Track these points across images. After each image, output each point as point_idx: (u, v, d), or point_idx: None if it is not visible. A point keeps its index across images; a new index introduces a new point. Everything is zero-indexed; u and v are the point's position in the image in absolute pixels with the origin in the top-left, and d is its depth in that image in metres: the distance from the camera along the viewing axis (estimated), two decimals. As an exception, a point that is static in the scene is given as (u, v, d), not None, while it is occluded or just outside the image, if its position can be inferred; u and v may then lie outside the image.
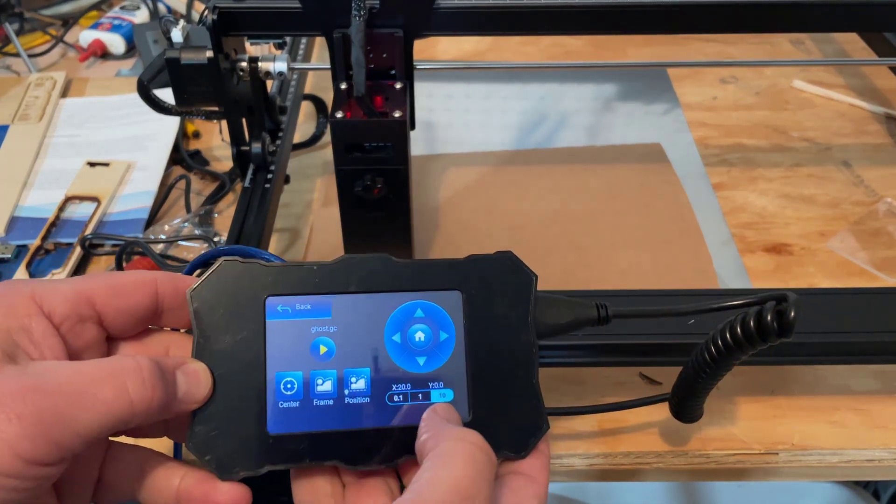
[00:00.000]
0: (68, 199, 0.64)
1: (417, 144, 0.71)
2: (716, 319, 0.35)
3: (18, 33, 0.88)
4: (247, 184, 0.57)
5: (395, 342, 0.33)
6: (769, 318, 0.32)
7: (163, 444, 0.34)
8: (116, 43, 0.86)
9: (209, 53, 0.49)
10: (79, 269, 0.58)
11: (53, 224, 0.61)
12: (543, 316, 0.34)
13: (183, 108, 0.52)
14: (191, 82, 0.50)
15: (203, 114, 0.53)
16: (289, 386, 0.32)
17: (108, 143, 0.71)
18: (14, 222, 0.62)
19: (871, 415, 0.47)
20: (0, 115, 0.74)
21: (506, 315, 0.33)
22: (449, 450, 0.28)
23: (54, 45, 0.87)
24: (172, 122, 0.71)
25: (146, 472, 0.32)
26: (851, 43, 0.85)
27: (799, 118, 0.74)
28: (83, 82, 0.81)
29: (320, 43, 0.81)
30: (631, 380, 0.49)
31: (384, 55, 0.50)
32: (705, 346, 0.35)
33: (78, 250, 0.58)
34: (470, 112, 0.76)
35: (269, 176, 0.57)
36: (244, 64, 0.52)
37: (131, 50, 0.87)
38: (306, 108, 0.76)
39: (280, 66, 0.53)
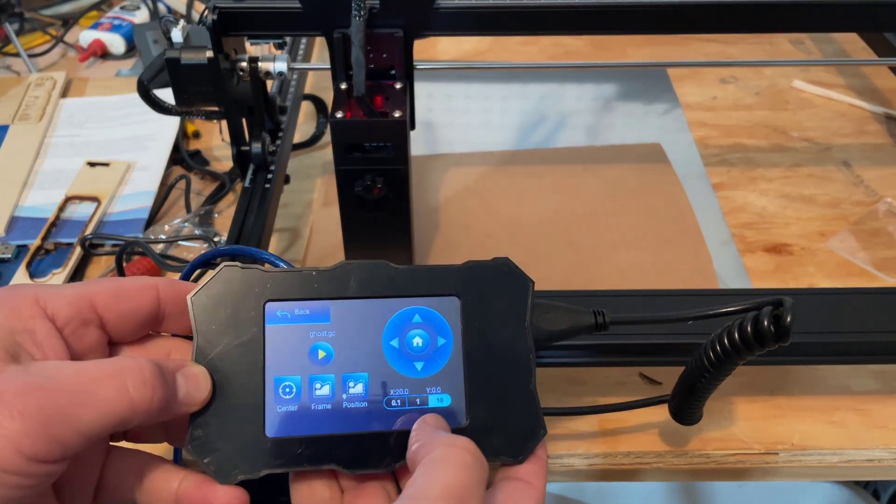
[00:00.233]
0: (68, 199, 0.64)
1: (417, 144, 0.71)
2: (715, 320, 0.35)
3: (18, 33, 0.88)
4: (247, 184, 0.57)
5: (394, 347, 0.33)
6: (766, 323, 0.32)
7: (163, 450, 0.34)
8: (116, 43, 0.86)
9: (209, 53, 0.49)
10: (79, 269, 0.58)
11: (53, 224, 0.61)
12: (541, 322, 0.34)
13: (183, 108, 0.52)
14: (191, 82, 0.50)
15: (203, 114, 0.53)
16: (287, 390, 0.32)
17: (108, 143, 0.71)
18: (14, 222, 0.62)
19: (871, 415, 0.47)
20: (0, 115, 0.74)
21: (503, 321, 0.34)
22: (441, 456, 0.28)
23: (54, 45, 0.87)
24: (172, 122, 0.71)
25: (145, 476, 0.32)
26: (851, 43, 0.85)
27: (799, 118, 0.74)
28: (83, 82, 0.81)
29: (320, 43, 0.81)
30: (631, 380, 0.49)
31: (384, 55, 0.50)
32: (703, 351, 0.36)
33: (78, 250, 0.58)
34: (470, 112, 0.76)
35: (269, 176, 0.57)
36: (244, 64, 0.52)
37: (131, 50, 0.87)
38: (306, 108, 0.76)
39: (280, 66, 0.53)
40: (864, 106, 0.76)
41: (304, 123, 0.74)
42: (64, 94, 0.78)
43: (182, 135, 0.71)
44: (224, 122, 0.56)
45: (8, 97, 0.76)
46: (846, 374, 0.49)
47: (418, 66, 0.52)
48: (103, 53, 0.86)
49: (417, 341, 0.33)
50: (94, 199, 0.64)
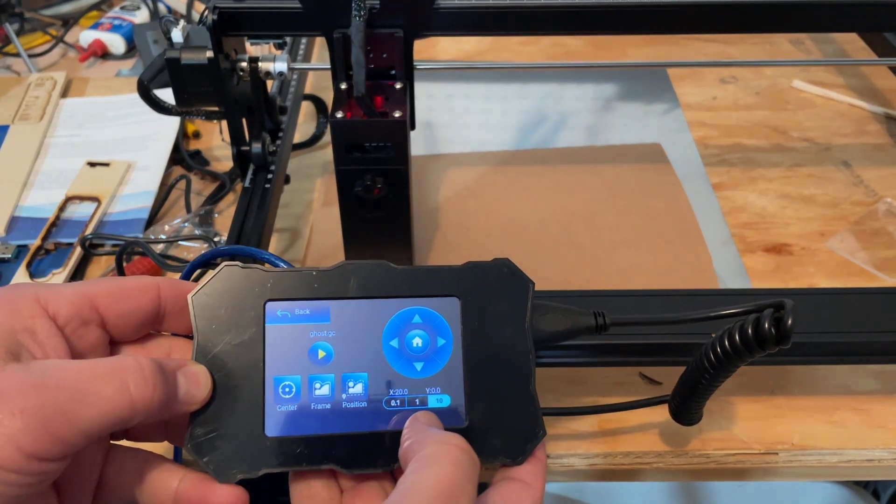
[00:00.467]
0: (68, 199, 0.64)
1: (417, 144, 0.71)
2: (716, 322, 0.35)
3: (18, 33, 0.88)
4: (247, 184, 0.57)
5: (393, 347, 0.33)
6: (766, 325, 0.32)
7: (163, 448, 0.34)
8: (116, 43, 0.86)
9: (209, 53, 0.49)
10: (79, 269, 0.58)
11: (53, 224, 0.61)
12: (541, 323, 0.34)
13: (183, 108, 0.52)
14: (191, 82, 0.50)
15: (203, 114, 0.53)
16: (287, 389, 0.32)
17: (108, 143, 0.71)
18: (14, 222, 0.62)
19: (870, 415, 0.47)
20: (0, 115, 0.74)
21: (503, 322, 0.34)
22: (433, 452, 0.28)
23: (54, 45, 0.87)
24: (172, 122, 0.71)
25: (145, 475, 0.32)
26: (851, 43, 0.85)
27: (799, 118, 0.74)
28: (83, 82, 0.81)
29: (320, 43, 0.81)
30: (631, 380, 0.49)
31: (384, 55, 0.50)
32: (704, 353, 0.36)
33: (78, 250, 0.58)
34: (470, 112, 0.76)
35: (269, 176, 0.57)
36: (244, 64, 0.52)
37: (131, 50, 0.87)
38: (306, 108, 0.76)
39: (280, 66, 0.53)
40: (864, 106, 0.76)
41: (304, 123, 0.74)
42: (64, 94, 0.78)
43: (182, 135, 0.71)
44: (224, 122, 0.56)
45: (8, 97, 0.76)
46: (846, 374, 0.49)
47: (418, 66, 0.52)
48: (103, 53, 0.86)
49: (417, 342, 0.33)
50: (95, 199, 0.64)
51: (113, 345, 0.33)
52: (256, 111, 0.56)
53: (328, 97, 0.75)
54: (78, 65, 0.85)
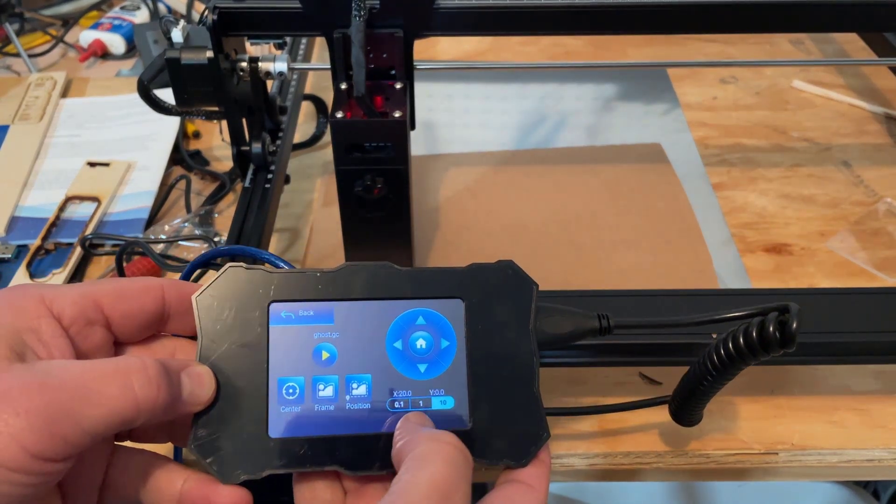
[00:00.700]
0: (68, 199, 0.64)
1: (417, 144, 0.71)
2: (719, 324, 0.35)
3: (18, 33, 0.88)
4: (247, 184, 0.57)
5: (397, 349, 0.33)
6: (771, 328, 0.32)
7: (164, 449, 0.34)
8: (116, 43, 0.86)
9: (209, 53, 0.49)
10: (79, 269, 0.58)
11: (54, 224, 0.61)
12: (544, 325, 0.34)
13: (183, 108, 0.52)
14: (191, 82, 0.50)
15: (203, 114, 0.53)
16: (291, 391, 0.32)
17: (108, 143, 0.71)
18: (14, 222, 0.62)
19: (871, 415, 0.47)
20: (0, 115, 0.74)
21: (507, 323, 0.34)
22: (425, 451, 0.28)
23: (54, 45, 0.87)
24: (172, 122, 0.71)
25: (149, 475, 0.32)
26: (851, 43, 0.85)
27: (799, 118, 0.74)
28: (83, 82, 0.81)
29: (320, 43, 0.81)
30: (631, 380, 0.49)
31: (384, 55, 0.50)
32: (707, 355, 0.35)
33: (78, 250, 0.58)
34: (470, 112, 0.76)
35: (269, 176, 0.57)
36: (244, 64, 0.52)
37: (131, 50, 0.87)
38: (306, 108, 0.76)
39: (280, 66, 0.53)
40: (864, 106, 0.76)
41: (304, 123, 0.74)
42: (64, 94, 0.78)
43: (182, 135, 0.71)
44: (224, 122, 0.56)
45: (8, 97, 0.76)
46: (846, 374, 0.49)
47: (418, 66, 0.52)
48: (103, 53, 0.86)
49: (421, 343, 0.33)
50: (95, 199, 0.64)
51: (117, 346, 0.33)
52: (256, 111, 0.56)
53: (328, 97, 0.75)
54: (78, 65, 0.85)
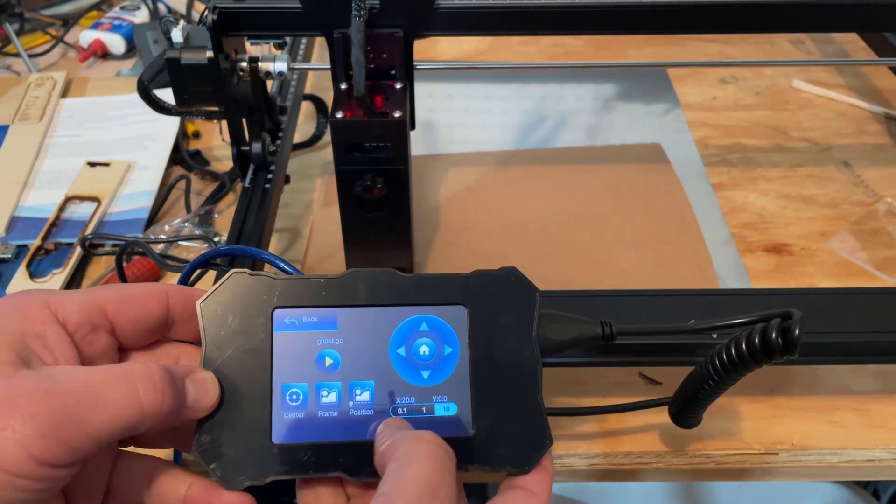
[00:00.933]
0: (68, 199, 0.64)
1: (417, 144, 0.71)
2: (719, 318, 0.35)
3: (18, 33, 0.88)
4: (247, 184, 0.57)
5: (400, 355, 0.33)
6: (774, 335, 0.32)
7: (164, 453, 0.34)
8: (116, 43, 0.86)
9: (209, 53, 0.49)
10: (79, 269, 0.58)
11: (53, 224, 0.61)
12: (547, 332, 0.34)
13: (183, 108, 0.52)
14: (191, 82, 0.50)
15: (203, 114, 0.53)
16: (294, 397, 0.32)
17: (108, 143, 0.71)
18: (14, 222, 0.62)
19: (871, 415, 0.47)
20: (0, 115, 0.74)
21: (510, 330, 0.34)
22: (409, 451, 0.28)
23: (54, 45, 0.87)
24: (172, 122, 0.71)
25: (153, 481, 0.32)
26: (851, 43, 0.85)
27: (799, 118, 0.74)
28: (83, 82, 0.81)
29: (320, 43, 0.81)
30: (631, 380, 0.49)
31: (384, 55, 0.50)
32: (709, 360, 0.35)
33: (78, 250, 0.58)
34: (470, 112, 0.76)
35: (269, 176, 0.57)
36: (244, 64, 0.52)
37: (131, 50, 0.87)
38: (306, 108, 0.76)
39: (280, 66, 0.53)
40: (864, 106, 0.76)
41: (304, 123, 0.74)
42: (64, 94, 0.78)
43: (182, 135, 0.71)
44: (224, 122, 0.56)
45: (8, 97, 0.76)
46: (846, 374, 0.49)
47: (418, 66, 0.52)
48: (103, 53, 0.86)
49: (424, 350, 0.33)
50: (94, 199, 0.64)
51: (121, 351, 0.33)
52: (256, 111, 0.56)
53: (328, 97, 0.75)
54: (78, 65, 0.85)
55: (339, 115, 0.47)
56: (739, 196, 0.65)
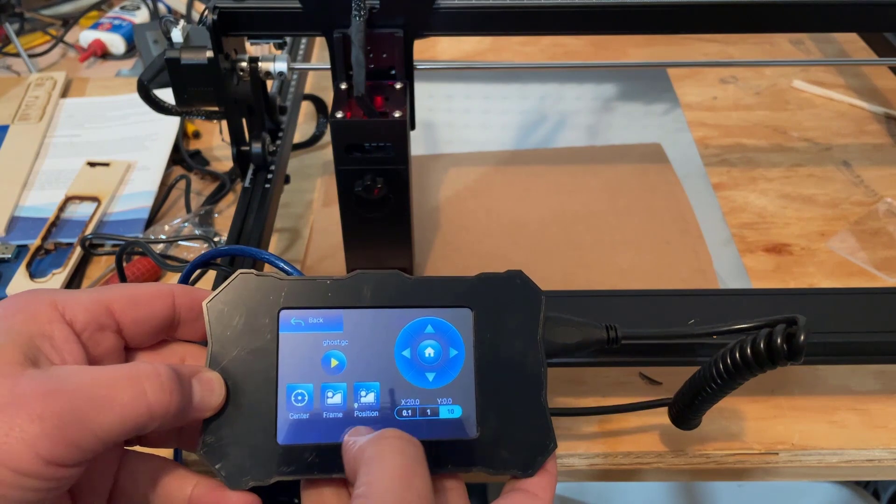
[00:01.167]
0: (68, 199, 0.64)
1: (417, 144, 0.71)
2: (719, 318, 0.35)
3: (18, 33, 0.88)
4: (247, 184, 0.57)
5: (406, 357, 0.33)
6: (779, 340, 0.32)
7: (167, 451, 0.35)
8: (116, 43, 0.86)
9: (209, 53, 0.49)
10: (79, 269, 0.58)
11: (53, 224, 0.61)
12: (552, 335, 0.34)
13: (183, 108, 0.52)
14: (191, 82, 0.50)
15: (203, 114, 0.53)
16: (299, 398, 0.32)
17: (108, 143, 0.71)
18: (14, 222, 0.62)
19: (871, 415, 0.47)
20: (0, 115, 0.74)
21: (515, 333, 0.34)
22: (375, 451, 0.29)
23: (54, 45, 0.87)
24: (172, 122, 0.71)
25: (159, 480, 0.32)
26: (851, 43, 0.85)
27: (799, 118, 0.74)
28: (83, 82, 0.81)
29: (320, 43, 0.81)
30: (631, 380, 0.49)
31: (384, 55, 0.50)
32: (713, 364, 0.36)
33: (78, 250, 0.58)
34: (470, 112, 0.76)
35: (269, 176, 0.57)
36: (244, 64, 0.52)
37: (131, 50, 0.87)
38: (306, 108, 0.76)
39: (280, 66, 0.53)
40: (864, 106, 0.76)
41: (304, 123, 0.74)
42: (64, 94, 0.78)
43: (182, 135, 0.71)
44: (224, 122, 0.56)
45: (8, 97, 0.76)
46: (846, 374, 0.49)
47: (418, 66, 0.52)
48: (103, 53, 0.86)
49: (429, 352, 0.33)
50: (94, 199, 0.64)
51: (128, 351, 0.33)
52: (256, 111, 0.56)
53: (328, 97, 0.75)
54: (78, 65, 0.85)
55: (339, 115, 0.47)
56: (739, 196, 0.65)
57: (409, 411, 0.33)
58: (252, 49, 0.59)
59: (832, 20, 0.53)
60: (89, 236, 0.59)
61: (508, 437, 0.33)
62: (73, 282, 0.58)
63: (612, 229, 0.61)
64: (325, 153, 0.71)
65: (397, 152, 0.47)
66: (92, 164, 0.67)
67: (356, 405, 0.32)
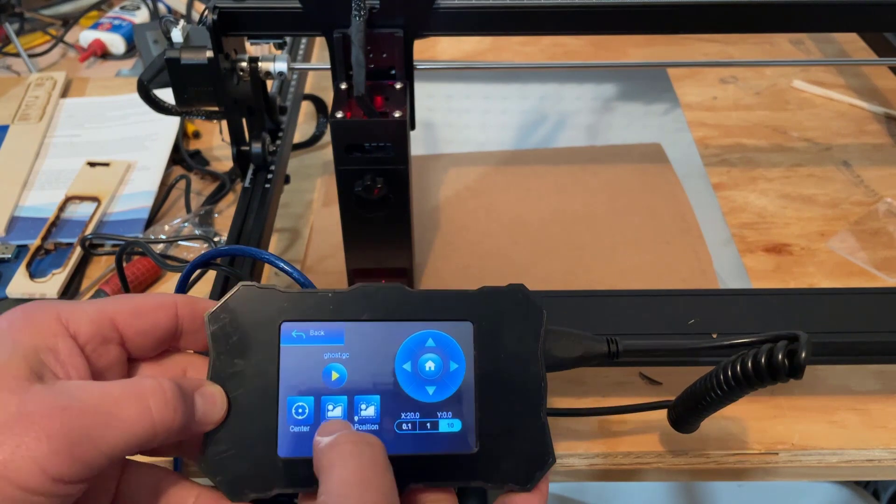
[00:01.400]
0: (68, 199, 0.64)
1: (417, 144, 0.71)
2: (719, 317, 0.35)
3: (18, 33, 0.88)
4: (247, 184, 0.57)
5: (406, 371, 0.33)
6: (780, 357, 0.32)
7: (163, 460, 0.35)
8: (116, 43, 0.86)
9: (209, 53, 0.49)
10: (79, 269, 0.58)
11: (53, 224, 0.61)
12: (553, 349, 0.35)
13: (183, 108, 0.52)
14: (191, 82, 0.50)
15: (203, 114, 0.53)
16: (300, 410, 0.32)
17: (108, 143, 0.71)
18: (14, 222, 0.62)
19: (871, 415, 0.47)
20: (0, 115, 0.74)
21: (516, 347, 0.34)
22: (329, 459, 0.29)
23: (54, 45, 0.87)
24: (172, 122, 0.71)
25: (161, 492, 0.32)
26: (851, 43, 0.85)
27: (799, 118, 0.74)
28: (83, 82, 0.81)
29: (320, 43, 0.81)
30: (631, 380, 0.49)
31: (384, 55, 0.50)
32: (714, 375, 0.36)
33: (78, 250, 0.58)
34: (470, 112, 0.76)
35: (269, 176, 0.57)
36: (244, 64, 0.52)
37: (131, 50, 0.87)
38: (306, 108, 0.76)
39: (280, 66, 0.53)
40: (864, 106, 0.76)
41: (304, 123, 0.74)
42: (64, 94, 0.78)
43: (182, 135, 0.71)
44: (224, 122, 0.56)
45: (8, 97, 0.76)
46: (846, 374, 0.49)
47: (418, 66, 0.52)
48: (103, 53, 0.86)
49: (430, 365, 0.33)
50: (94, 199, 0.64)
51: (130, 362, 0.33)
52: (256, 111, 0.56)
53: (328, 97, 0.75)
54: (78, 65, 0.85)
55: (339, 115, 0.47)
56: (739, 196, 0.65)
57: (409, 425, 0.33)
58: (252, 49, 0.59)
59: (832, 20, 0.53)
60: (89, 236, 0.59)
61: (508, 452, 0.33)
62: (73, 282, 0.58)
63: (612, 229, 0.61)
64: (325, 153, 0.71)
65: (397, 152, 0.47)
66: (92, 164, 0.67)
67: (356, 418, 0.32)
